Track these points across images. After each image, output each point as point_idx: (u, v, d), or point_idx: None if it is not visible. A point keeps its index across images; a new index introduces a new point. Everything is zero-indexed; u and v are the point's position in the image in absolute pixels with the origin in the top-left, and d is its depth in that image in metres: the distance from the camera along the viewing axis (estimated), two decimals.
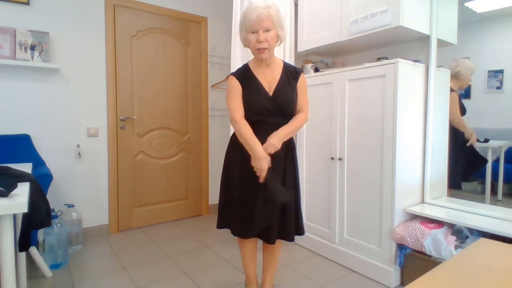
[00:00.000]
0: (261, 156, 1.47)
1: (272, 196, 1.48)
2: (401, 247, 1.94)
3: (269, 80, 1.57)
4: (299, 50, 2.61)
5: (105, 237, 2.82)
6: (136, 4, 2.93)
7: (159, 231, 2.99)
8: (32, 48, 2.41)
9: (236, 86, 1.55)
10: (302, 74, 1.64)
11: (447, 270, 0.78)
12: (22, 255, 1.81)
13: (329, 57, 2.81)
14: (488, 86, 2.11)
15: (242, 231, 1.60)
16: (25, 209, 1.03)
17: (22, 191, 1.15)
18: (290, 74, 1.61)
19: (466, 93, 2.21)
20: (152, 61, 3.06)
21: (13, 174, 1.32)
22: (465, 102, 2.21)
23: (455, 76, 2.20)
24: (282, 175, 1.59)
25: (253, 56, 1.61)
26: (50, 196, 2.08)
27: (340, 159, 2.22)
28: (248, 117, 1.55)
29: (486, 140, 2.14)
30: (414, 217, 2.00)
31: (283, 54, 2.50)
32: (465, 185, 2.32)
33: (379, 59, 2.11)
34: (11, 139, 2.32)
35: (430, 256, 1.81)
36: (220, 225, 1.68)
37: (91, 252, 2.50)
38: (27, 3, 2.45)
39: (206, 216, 3.44)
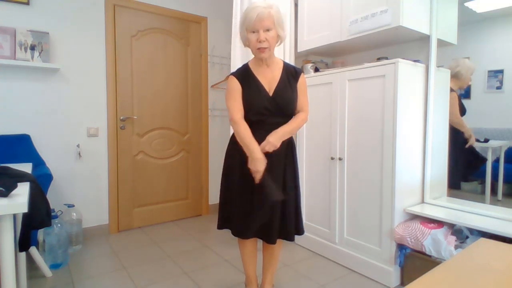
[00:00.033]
0: (258, 158, 1.48)
1: (266, 195, 1.49)
2: (401, 247, 1.94)
3: (269, 80, 1.57)
4: (299, 50, 2.61)
5: (105, 237, 2.82)
6: (136, 4, 2.93)
7: (159, 231, 2.99)
8: (32, 48, 2.41)
9: (236, 86, 1.55)
10: (302, 74, 1.64)
11: (447, 270, 0.78)
12: (22, 255, 1.81)
13: (329, 57, 2.81)
14: (488, 86, 2.11)
15: (242, 231, 1.60)
16: (25, 209, 1.03)
17: (22, 191, 1.15)
18: (290, 74, 1.61)
19: (466, 93, 2.21)
20: (152, 61, 3.06)
21: (13, 174, 1.32)
22: (465, 102, 2.21)
23: (455, 76, 2.20)
24: (282, 174, 1.59)
25: (253, 56, 1.61)
26: (50, 196, 2.09)
27: (340, 159, 2.22)
28: (248, 117, 1.55)
29: (486, 140, 2.14)
30: (414, 217, 2.00)
31: (283, 54, 2.50)
32: (465, 185, 2.32)
33: (379, 59, 2.11)
34: (11, 139, 2.32)
35: (430, 256, 1.81)
36: (220, 226, 1.68)
37: (91, 252, 2.50)
38: (27, 3, 2.45)
39: (206, 216, 3.44)
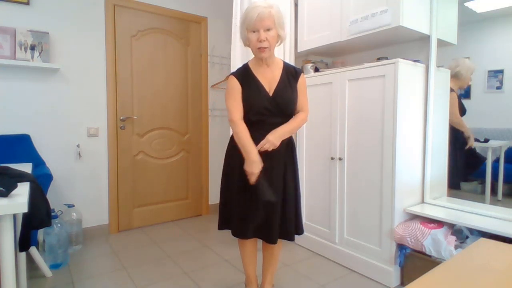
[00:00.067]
0: (254, 160, 1.48)
1: (259, 196, 1.50)
2: (401, 247, 1.94)
3: (269, 80, 1.57)
4: (299, 50, 2.61)
5: (105, 237, 2.82)
6: (136, 4, 2.93)
7: (159, 231, 2.99)
8: (32, 48, 2.41)
9: (236, 86, 1.55)
10: (302, 74, 1.64)
11: (447, 270, 0.78)
12: (22, 255, 1.81)
13: (329, 57, 2.81)
14: (488, 86, 2.11)
15: (242, 231, 1.59)
16: (25, 209, 1.03)
17: (22, 191, 1.15)
18: (290, 74, 1.61)
19: (466, 93, 2.21)
20: (152, 61, 3.06)
21: (13, 174, 1.32)
22: (465, 102, 2.21)
23: (455, 76, 2.20)
24: (282, 174, 1.59)
25: (253, 56, 1.61)
26: (50, 196, 2.09)
27: (340, 159, 2.22)
28: (248, 117, 1.55)
29: (486, 140, 2.14)
30: (414, 217, 2.00)
31: (283, 54, 2.50)
32: (465, 185, 2.32)
33: (379, 59, 2.11)
34: (11, 139, 2.32)
35: (430, 256, 1.81)
36: (221, 226, 1.68)
37: (91, 252, 2.50)
38: (27, 3, 2.45)
39: (206, 216, 3.44)
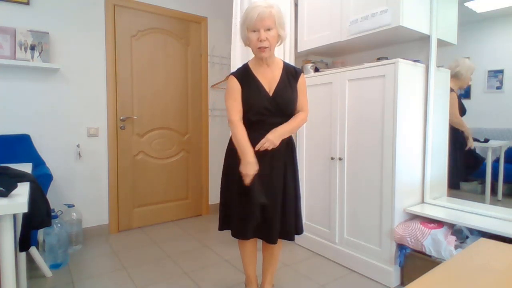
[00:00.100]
0: (250, 162, 1.48)
1: (251, 198, 1.50)
2: (401, 247, 1.94)
3: (269, 80, 1.58)
4: (299, 50, 2.61)
5: (105, 237, 2.82)
6: (136, 4, 2.93)
7: (159, 231, 2.99)
8: (32, 48, 2.41)
9: (235, 87, 1.55)
10: (302, 74, 1.64)
11: (447, 270, 0.78)
12: (22, 255, 1.81)
13: (329, 57, 2.81)
14: (488, 86, 2.11)
15: (241, 231, 1.59)
16: (25, 209, 1.03)
17: (22, 191, 1.15)
18: (290, 74, 1.61)
19: (466, 93, 2.21)
20: (152, 61, 3.06)
21: (13, 174, 1.32)
22: (465, 102, 2.21)
23: (455, 76, 2.20)
24: (283, 174, 1.59)
25: (253, 56, 1.61)
26: (50, 196, 2.09)
27: (340, 159, 2.22)
28: (248, 117, 1.55)
29: (486, 140, 2.14)
30: (414, 217, 2.00)
31: (283, 54, 2.50)
32: (465, 185, 2.32)
33: (379, 59, 2.11)
34: (11, 139, 2.32)
35: (430, 256, 1.81)
36: (221, 227, 1.68)
37: (91, 252, 2.50)
38: (27, 3, 2.45)
39: (206, 216, 3.44)
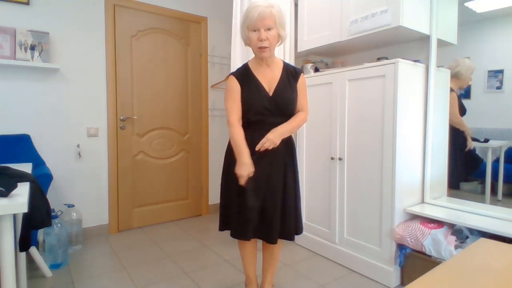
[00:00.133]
0: (245, 163, 1.48)
1: (246, 200, 1.52)
2: (401, 247, 1.94)
3: (269, 80, 1.58)
4: (299, 50, 2.61)
5: (105, 237, 2.82)
6: (136, 4, 2.93)
7: (159, 231, 2.99)
8: (32, 48, 2.41)
9: (235, 87, 1.55)
10: (302, 74, 1.64)
11: (447, 270, 0.78)
12: (22, 255, 1.81)
13: (329, 57, 2.81)
14: (488, 86, 2.11)
15: (241, 232, 1.59)
16: (25, 209, 1.03)
17: (22, 191, 1.15)
18: (290, 74, 1.61)
19: (466, 93, 2.21)
20: (152, 61, 3.06)
21: (13, 174, 1.32)
22: (465, 102, 2.21)
23: (455, 76, 2.20)
24: (283, 174, 1.59)
25: (253, 56, 1.61)
26: (50, 196, 2.09)
27: (340, 159, 2.22)
28: (248, 116, 1.55)
29: (486, 140, 2.14)
30: (414, 217, 2.00)
31: (283, 54, 2.50)
32: (465, 185, 2.32)
33: (379, 59, 2.11)
34: (11, 139, 2.32)
35: (430, 256, 1.81)
36: (221, 227, 1.68)
37: (91, 252, 2.50)
38: (27, 3, 2.45)
39: (206, 216, 3.44)
